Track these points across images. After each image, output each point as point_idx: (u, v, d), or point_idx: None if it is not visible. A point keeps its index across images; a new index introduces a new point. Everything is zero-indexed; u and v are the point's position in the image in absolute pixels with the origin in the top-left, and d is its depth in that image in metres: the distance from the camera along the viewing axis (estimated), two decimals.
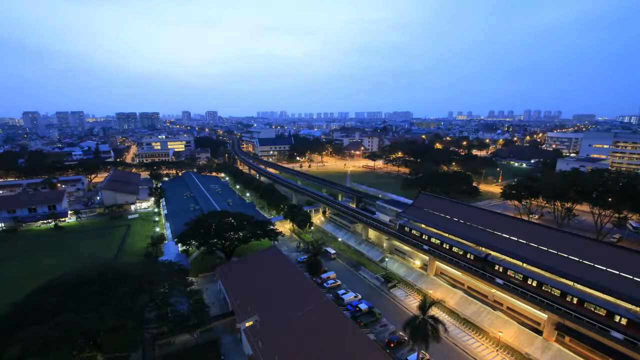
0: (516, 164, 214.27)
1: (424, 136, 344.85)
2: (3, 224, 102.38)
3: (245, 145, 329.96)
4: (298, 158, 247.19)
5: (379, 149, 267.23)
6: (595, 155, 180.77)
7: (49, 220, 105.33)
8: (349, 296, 61.64)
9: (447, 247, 68.71)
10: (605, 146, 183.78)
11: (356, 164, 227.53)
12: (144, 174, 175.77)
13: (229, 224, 72.98)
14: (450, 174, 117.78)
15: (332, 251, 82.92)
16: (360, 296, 62.46)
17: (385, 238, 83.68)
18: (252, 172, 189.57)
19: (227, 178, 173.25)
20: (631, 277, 45.38)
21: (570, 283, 50.75)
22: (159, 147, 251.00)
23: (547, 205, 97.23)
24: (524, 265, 57.07)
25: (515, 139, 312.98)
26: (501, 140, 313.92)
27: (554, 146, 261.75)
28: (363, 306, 57.88)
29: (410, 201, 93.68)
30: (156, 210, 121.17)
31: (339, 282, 68.36)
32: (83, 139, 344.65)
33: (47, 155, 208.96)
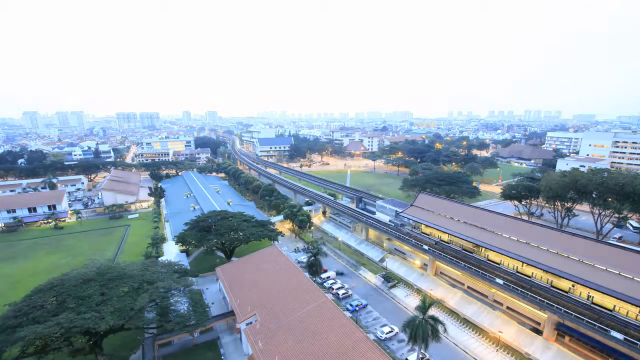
0: (516, 163, 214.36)
1: (423, 136, 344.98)
2: (3, 224, 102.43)
3: (245, 145, 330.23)
4: (298, 158, 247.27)
5: (379, 149, 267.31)
6: (595, 155, 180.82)
7: (49, 220, 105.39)
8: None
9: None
10: (605, 146, 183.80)
11: (356, 164, 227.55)
12: (144, 174, 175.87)
13: (228, 224, 72.98)
14: (450, 174, 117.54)
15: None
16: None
17: (385, 238, 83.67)
18: (252, 172, 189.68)
19: (227, 178, 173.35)
20: (631, 277, 45.42)
21: (570, 283, 50.85)
22: (159, 147, 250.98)
23: (547, 205, 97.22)
24: (524, 264, 57.15)
25: (517, 143, 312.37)
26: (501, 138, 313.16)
27: (553, 146, 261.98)
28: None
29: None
30: (156, 210, 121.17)
31: (339, 282, 68.46)
32: (83, 139, 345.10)
33: (47, 155, 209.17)
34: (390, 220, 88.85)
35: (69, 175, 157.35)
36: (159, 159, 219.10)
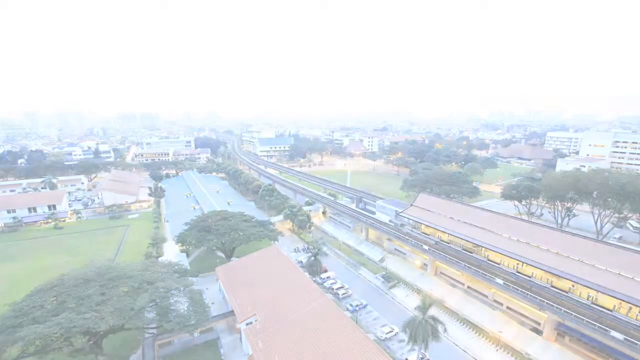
0: (516, 163, 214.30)
1: (423, 136, 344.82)
2: (3, 224, 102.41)
3: (245, 145, 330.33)
4: (298, 158, 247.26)
5: (379, 149, 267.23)
6: (595, 155, 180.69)
7: (49, 220, 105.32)
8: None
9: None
10: (605, 146, 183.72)
11: (356, 164, 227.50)
12: (144, 174, 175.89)
13: (228, 224, 73.00)
14: (450, 174, 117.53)
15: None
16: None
17: (385, 238, 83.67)
18: (252, 172, 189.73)
19: (227, 178, 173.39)
20: (631, 277, 45.41)
21: (570, 283, 50.85)
22: (159, 147, 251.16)
23: (547, 205, 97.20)
24: (524, 264, 57.14)
25: (517, 143, 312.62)
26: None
27: (553, 146, 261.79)
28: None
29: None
30: (156, 210, 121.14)
31: (339, 282, 68.45)
32: (83, 139, 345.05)
33: (47, 155, 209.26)
34: (390, 220, 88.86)
35: (69, 175, 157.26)
36: (159, 159, 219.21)
